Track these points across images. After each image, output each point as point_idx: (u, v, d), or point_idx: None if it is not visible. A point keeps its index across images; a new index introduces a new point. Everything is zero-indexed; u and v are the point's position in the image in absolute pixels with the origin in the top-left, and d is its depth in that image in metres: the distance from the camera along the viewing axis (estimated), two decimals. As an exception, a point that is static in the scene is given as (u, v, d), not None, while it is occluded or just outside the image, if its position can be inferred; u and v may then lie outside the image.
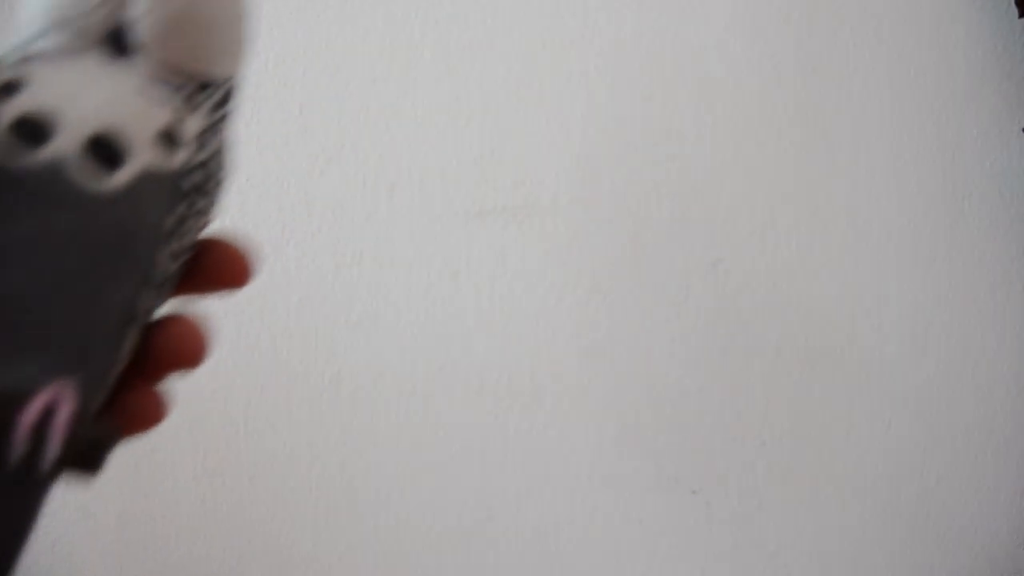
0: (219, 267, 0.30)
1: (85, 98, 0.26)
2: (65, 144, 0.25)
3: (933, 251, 0.90)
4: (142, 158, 0.27)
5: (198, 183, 0.29)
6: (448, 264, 0.81)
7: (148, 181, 0.27)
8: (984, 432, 0.91)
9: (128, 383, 0.28)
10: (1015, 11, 0.88)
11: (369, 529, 0.82)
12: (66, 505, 0.77)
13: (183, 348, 0.29)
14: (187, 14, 0.28)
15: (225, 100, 0.30)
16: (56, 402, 0.25)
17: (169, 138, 0.27)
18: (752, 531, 0.86)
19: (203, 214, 0.30)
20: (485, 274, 0.81)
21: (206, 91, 0.29)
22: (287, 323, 0.79)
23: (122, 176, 0.26)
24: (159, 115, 0.27)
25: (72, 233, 0.26)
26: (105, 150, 0.26)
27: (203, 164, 0.29)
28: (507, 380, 0.83)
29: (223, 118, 0.31)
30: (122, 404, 0.28)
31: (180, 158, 0.28)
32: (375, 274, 0.81)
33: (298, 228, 0.80)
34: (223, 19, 0.29)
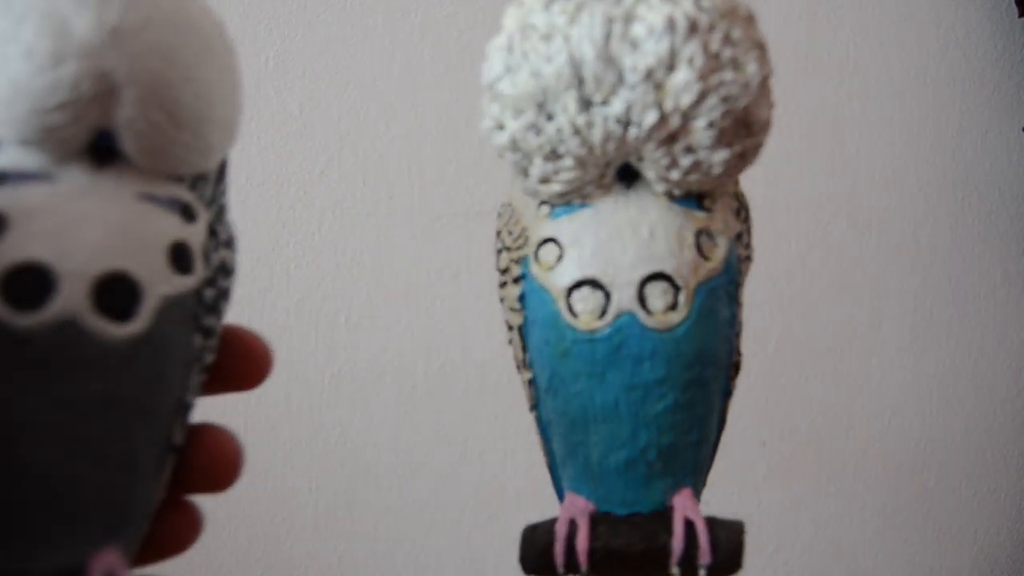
0: (240, 363, 0.28)
1: (81, 235, 0.23)
2: (71, 295, 0.22)
3: (933, 251, 0.90)
4: (158, 290, 0.24)
5: (220, 286, 0.26)
6: (448, 264, 0.81)
7: (170, 311, 0.24)
8: (984, 432, 0.91)
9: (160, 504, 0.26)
10: (1015, 11, 0.88)
11: (369, 529, 0.82)
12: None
13: (217, 464, 0.27)
14: (181, 113, 0.24)
15: (220, 178, 0.27)
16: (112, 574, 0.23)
17: (180, 256, 0.24)
18: (752, 531, 0.86)
19: (226, 307, 0.27)
20: (485, 274, 0.81)
21: (202, 183, 0.26)
22: (287, 323, 0.79)
23: (142, 317, 0.23)
24: (163, 234, 0.24)
25: (99, 394, 0.23)
26: (117, 293, 0.23)
27: (222, 265, 0.26)
28: (507, 380, 0.83)
29: (223, 200, 0.27)
30: (155, 529, 0.26)
31: (197, 272, 0.25)
32: (375, 274, 0.81)
33: (298, 228, 0.80)
34: (219, 106, 0.25)
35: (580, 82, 0.28)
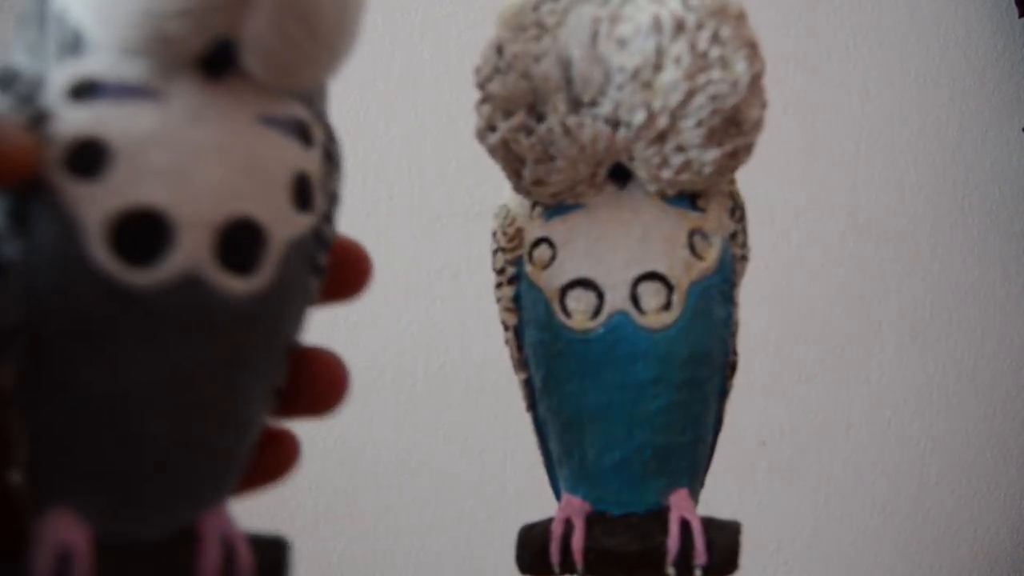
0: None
1: (201, 172, 0.19)
2: (193, 247, 0.19)
3: (933, 251, 0.90)
4: (282, 234, 0.20)
5: (334, 219, 0.23)
6: (448, 264, 0.81)
7: (291, 257, 0.21)
8: (984, 432, 0.91)
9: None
10: (1015, 11, 0.88)
11: (369, 529, 0.82)
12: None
13: (326, 388, 0.25)
14: (321, 26, 0.20)
15: (325, 92, 0.23)
16: (229, 536, 0.22)
17: (302, 190, 0.21)
18: (752, 531, 0.86)
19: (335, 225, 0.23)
20: (485, 274, 0.81)
21: (319, 96, 0.23)
22: (287, 323, 0.79)
23: (266, 267, 0.20)
24: (286, 165, 0.20)
25: (219, 357, 0.20)
26: (241, 242, 0.19)
27: (334, 193, 0.23)
28: (507, 380, 0.83)
29: (326, 119, 0.23)
30: (255, 462, 0.24)
31: (316, 208, 0.21)
32: (375, 274, 0.81)
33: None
34: (358, 12, 0.22)
35: (569, 83, 0.28)
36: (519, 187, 0.31)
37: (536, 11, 0.28)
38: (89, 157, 0.18)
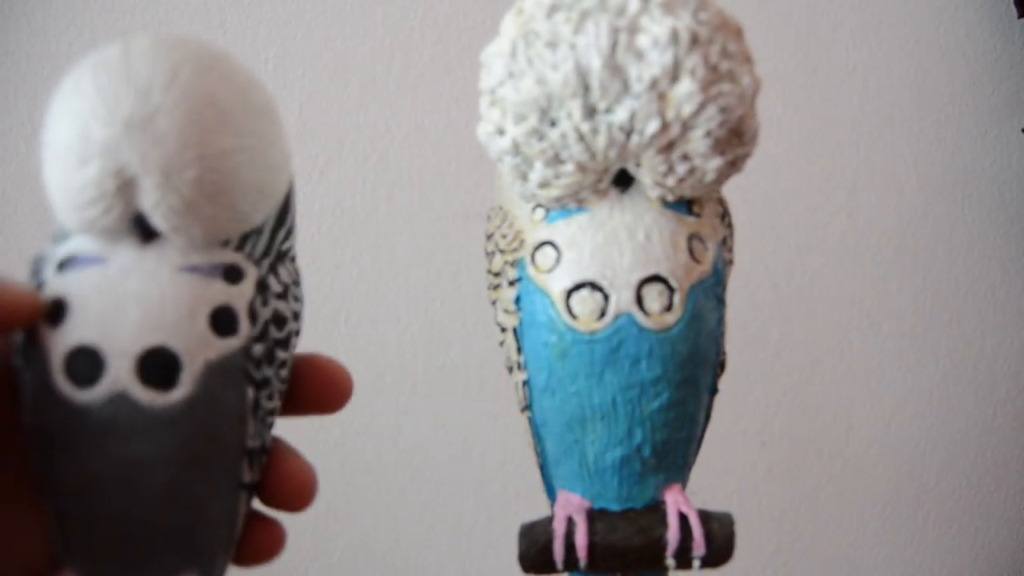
0: (317, 391, 0.29)
1: (124, 316, 0.25)
2: (119, 372, 0.25)
3: (933, 251, 0.90)
4: (199, 357, 0.26)
5: (272, 338, 0.27)
6: (448, 264, 0.81)
7: (214, 373, 0.26)
8: (984, 432, 0.91)
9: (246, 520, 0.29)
10: (1015, 11, 0.88)
11: (369, 529, 0.82)
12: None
13: (291, 490, 0.29)
14: (198, 192, 0.25)
15: (279, 225, 0.28)
16: None
17: (222, 320, 0.26)
18: (752, 531, 0.86)
19: (287, 357, 0.28)
20: (485, 274, 0.81)
21: (253, 238, 0.27)
22: (287, 323, 0.79)
23: (184, 384, 0.25)
24: (204, 302, 0.26)
25: (153, 454, 0.25)
26: (159, 365, 0.25)
27: (273, 317, 0.27)
28: (507, 380, 0.83)
29: (284, 246, 0.29)
30: (242, 543, 0.29)
31: (242, 333, 0.26)
32: (375, 274, 0.81)
33: (298, 228, 0.80)
34: (243, 171, 0.26)
35: (586, 90, 0.29)
36: (524, 190, 0.31)
37: (550, 18, 0.29)
38: (57, 311, 0.25)
